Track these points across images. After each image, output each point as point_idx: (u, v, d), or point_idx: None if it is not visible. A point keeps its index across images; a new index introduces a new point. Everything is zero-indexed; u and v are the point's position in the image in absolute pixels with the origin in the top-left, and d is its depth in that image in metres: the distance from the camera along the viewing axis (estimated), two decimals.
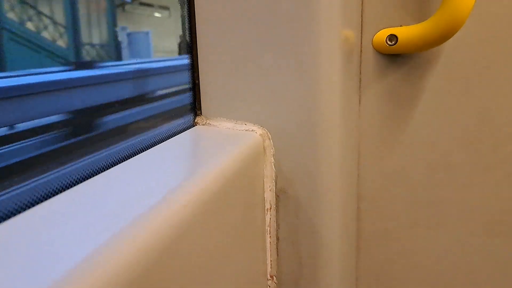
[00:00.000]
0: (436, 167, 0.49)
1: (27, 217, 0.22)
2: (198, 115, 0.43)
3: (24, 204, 0.24)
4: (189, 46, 0.42)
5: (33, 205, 0.23)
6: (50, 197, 0.24)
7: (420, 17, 0.46)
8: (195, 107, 0.43)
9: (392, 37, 0.46)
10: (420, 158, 0.50)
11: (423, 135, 0.49)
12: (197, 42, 0.42)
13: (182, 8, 0.42)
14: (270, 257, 0.43)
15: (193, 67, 0.43)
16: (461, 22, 0.40)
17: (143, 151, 0.34)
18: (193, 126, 0.42)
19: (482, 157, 0.47)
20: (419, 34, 0.43)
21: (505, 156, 0.47)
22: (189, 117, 0.43)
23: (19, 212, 0.23)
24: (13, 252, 0.19)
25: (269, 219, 0.42)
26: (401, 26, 0.46)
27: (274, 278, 0.43)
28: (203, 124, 0.43)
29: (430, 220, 0.51)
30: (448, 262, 0.52)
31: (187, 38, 0.42)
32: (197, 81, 0.43)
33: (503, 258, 0.49)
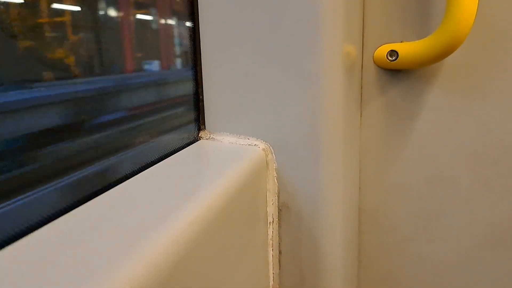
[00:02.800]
0: (436, 181, 0.50)
1: (29, 242, 0.22)
2: (202, 130, 0.44)
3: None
4: (193, 61, 0.43)
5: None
6: (54, 218, 0.24)
7: (420, 34, 0.47)
8: (199, 122, 0.44)
9: (393, 53, 0.47)
10: (420, 172, 0.50)
11: (423, 148, 0.50)
12: (201, 58, 0.42)
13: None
14: (272, 270, 0.43)
15: (197, 83, 0.43)
16: (461, 39, 0.40)
17: (150, 165, 0.35)
18: (197, 140, 0.43)
19: (482, 170, 0.48)
20: (420, 50, 0.44)
21: (505, 170, 0.47)
22: (193, 131, 0.43)
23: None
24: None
25: (271, 233, 0.42)
26: (401, 42, 0.47)
27: None
28: (206, 139, 0.43)
29: (430, 233, 0.51)
30: (449, 274, 0.52)
31: (191, 53, 0.43)
32: (201, 96, 0.43)
33: (503, 271, 0.49)
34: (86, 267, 0.20)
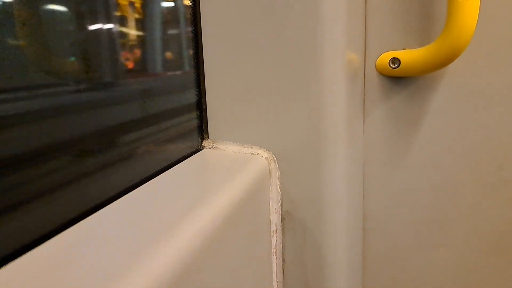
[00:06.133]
0: (440, 188, 0.50)
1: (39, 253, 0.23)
2: (205, 139, 0.44)
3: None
4: (196, 71, 0.43)
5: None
6: (59, 231, 0.25)
7: (422, 41, 0.47)
8: (202, 131, 0.44)
9: (395, 60, 0.47)
10: (424, 179, 0.50)
11: (427, 155, 0.50)
12: (204, 68, 0.43)
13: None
14: (276, 278, 0.43)
15: (200, 92, 0.44)
16: (463, 46, 0.40)
17: (154, 175, 0.35)
18: (201, 149, 0.43)
19: (486, 177, 0.48)
20: (422, 57, 0.44)
21: (509, 176, 0.47)
22: (197, 140, 0.43)
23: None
24: None
25: (275, 241, 0.42)
26: (404, 49, 0.47)
27: None
28: (210, 148, 0.43)
29: (435, 240, 0.51)
30: (453, 281, 0.51)
31: (194, 63, 0.43)
32: (204, 106, 0.44)
33: (508, 277, 0.49)
34: (91, 278, 0.20)
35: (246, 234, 0.35)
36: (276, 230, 0.42)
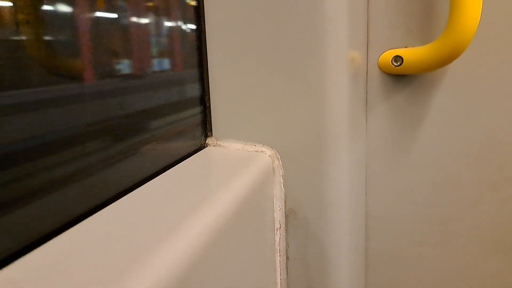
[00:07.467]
0: (442, 186, 0.50)
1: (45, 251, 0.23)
2: (208, 136, 0.44)
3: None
4: (200, 70, 0.43)
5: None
6: (64, 229, 0.25)
7: (425, 39, 0.47)
8: (205, 129, 0.44)
9: (398, 58, 0.47)
10: (426, 177, 0.50)
11: (429, 154, 0.50)
12: (208, 67, 0.43)
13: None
14: (280, 276, 0.43)
15: (204, 91, 0.44)
16: (465, 44, 0.41)
17: (158, 173, 0.35)
18: (204, 147, 0.43)
19: (488, 175, 0.48)
20: (424, 55, 0.44)
21: (510, 175, 0.47)
22: (200, 138, 0.44)
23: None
24: None
25: (278, 239, 0.42)
26: (406, 47, 0.47)
27: None
28: (213, 145, 0.44)
29: (437, 238, 0.51)
30: (455, 279, 0.52)
31: (198, 62, 0.43)
32: (208, 104, 0.44)
33: (509, 275, 0.49)
34: (98, 277, 0.20)
35: (250, 232, 0.35)
36: (280, 228, 0.42)
